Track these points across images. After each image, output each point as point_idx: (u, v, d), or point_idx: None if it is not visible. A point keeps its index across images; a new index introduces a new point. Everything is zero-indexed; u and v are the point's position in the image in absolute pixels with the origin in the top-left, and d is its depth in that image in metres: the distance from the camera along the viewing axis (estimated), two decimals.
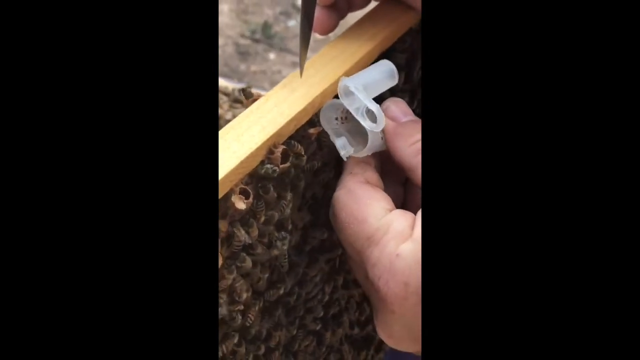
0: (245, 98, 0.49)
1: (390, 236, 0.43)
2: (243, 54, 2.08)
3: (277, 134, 0.43)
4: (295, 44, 2.09)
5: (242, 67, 2.04)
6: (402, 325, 0.44)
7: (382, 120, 0.44)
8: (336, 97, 0.46)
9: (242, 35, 2.12)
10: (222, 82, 0.94)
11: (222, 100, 0.92)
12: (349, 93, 0.44)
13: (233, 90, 0.93)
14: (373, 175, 0.47)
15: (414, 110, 0.47)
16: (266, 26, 2.13)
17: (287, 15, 2.19)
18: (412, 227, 0.43)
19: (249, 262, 0.45)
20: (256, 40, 2.12)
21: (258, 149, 0.42)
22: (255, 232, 0.44)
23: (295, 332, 0.53)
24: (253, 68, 2.03)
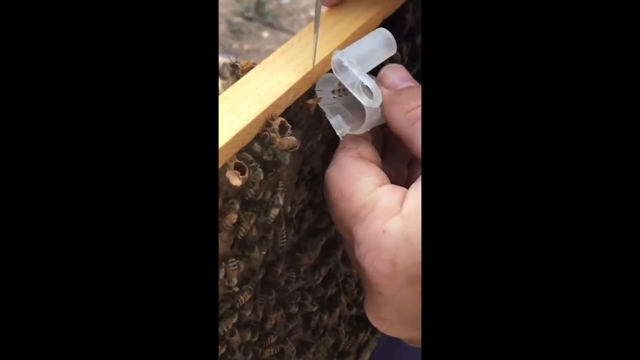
0: (237, 74, 0.46)
1: (377, 213, 0.40)
2: (236, 32, 2.05)
3: (275, 104, 0.40)
4: (288, 22, 2.05)
5: (235, 45, 2.01)
6: (391, 307, 0.42)
7: (379, 96, 0.42)
8: (331, 70, 0.43)
9: (235, 13, 2.09)
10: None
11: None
12: (342, 67, 0.42)
13: (224, 65, 0.90)
14: (367, 150, 0.44)
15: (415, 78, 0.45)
16: (259, 4, 2.10)
17: None
18: (402, 203, 0.40)
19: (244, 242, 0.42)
20: (249, 19, 2.08)
21: (255, 121, 0.39)
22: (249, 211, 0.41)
23: (291, 313, 0.51)
24: (246, 47, 2.00)
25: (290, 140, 0.40)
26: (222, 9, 2.08)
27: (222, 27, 2.04)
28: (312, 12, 0.50)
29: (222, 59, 0.96)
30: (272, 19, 2.08)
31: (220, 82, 0.93)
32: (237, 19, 2.08)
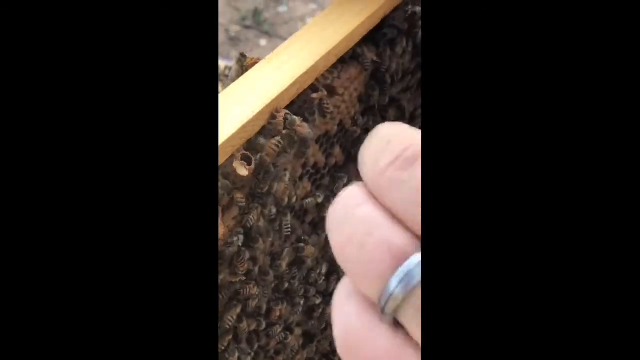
0: (242, 63, 0.47)
1: None
2: (234, 40, 2.06)
3: (279, 97, 0.41)
4: (286, 30, 2.07)
5: (234, 53, 2.02)
6: None
7: None
8: (341, 61, 0.44)
9: (233, 22, 2.10)
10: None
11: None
12: None
13: (225, 68, 0.91)
14: None
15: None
16: (257, 12, 2.11)
17: (277, 1, 2.17)
18: None
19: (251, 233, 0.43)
20: (247, 27, 2.10)
21: (260, 113, 0.40)
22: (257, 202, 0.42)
23: (294, 305, 0.52)
24: None
25: (304, 126, 0.42)
26: (220, 18, 2.09)
27: (221, 36, 2.05)
28: (309, 21, 0.51)
29: (222, 62, 0.96)
30: (270, 28, 2.10)
31: (220, 85, 0.94)
32: (235, 28, 2.09)
